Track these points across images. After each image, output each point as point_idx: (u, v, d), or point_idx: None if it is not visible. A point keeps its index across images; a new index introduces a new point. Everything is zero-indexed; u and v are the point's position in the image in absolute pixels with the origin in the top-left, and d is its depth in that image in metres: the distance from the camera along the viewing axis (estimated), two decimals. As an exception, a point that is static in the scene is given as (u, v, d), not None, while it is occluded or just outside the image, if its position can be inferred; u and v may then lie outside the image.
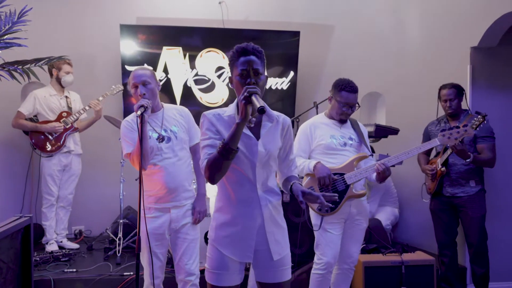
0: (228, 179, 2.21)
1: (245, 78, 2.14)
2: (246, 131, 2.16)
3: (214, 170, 2.09)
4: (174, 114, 3.15)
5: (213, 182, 2.14)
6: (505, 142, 4.63)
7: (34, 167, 5.37)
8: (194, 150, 3.26)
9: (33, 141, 4.90)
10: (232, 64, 2.21)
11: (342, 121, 3.52)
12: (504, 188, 4.68)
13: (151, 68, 3.13)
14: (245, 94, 1.99)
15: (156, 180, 3.00)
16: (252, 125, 2.20)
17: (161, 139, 3.00)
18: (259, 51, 2.20)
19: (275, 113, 2.31)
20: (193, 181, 3.32)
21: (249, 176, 2.19)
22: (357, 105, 3.48)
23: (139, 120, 2.72)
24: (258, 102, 1.97)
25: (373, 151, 5.27)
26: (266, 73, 2.23)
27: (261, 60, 2.19)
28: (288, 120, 2.36)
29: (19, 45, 3.72)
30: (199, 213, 3.19)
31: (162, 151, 3.00)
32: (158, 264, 3.06)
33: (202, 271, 3.94)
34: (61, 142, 4.92)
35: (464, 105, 4.24)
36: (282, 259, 2.27)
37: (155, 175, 3.01)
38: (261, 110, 1.94)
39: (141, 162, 2.67)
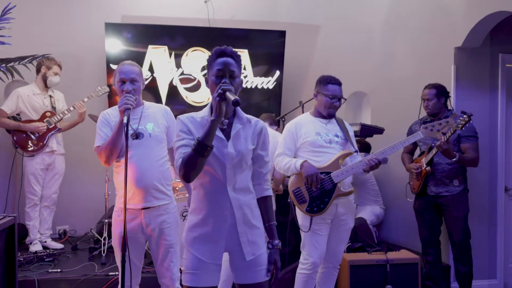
0: (200, 180, 2.22)
1: (220, 78, 2.17)
2: (217, 132, 2.17)
3: (190, 167, 2.08)
4: (155, 112, 3.09)
5: (188, 180, 2.13)
6: (487, 142, 4.70)
7: (17, 166, 5.31)
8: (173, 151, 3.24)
9: (15, 140, 4.84)
10: (209, 65, 2.25)
11: (330, 116, 3.51)
12: (486, 187, 4.74)
13: (138, 65, 3.08)
14: (219, 91, 2.03)
15: (123, 178, 2.84)
16: (225, 127, 2.22)
17: (135, 136, 2.92)
18: (237, 55, 2.24)
19: (248, 116, 2.32)
20: (169, 182, 3.13)
21: (220, 177, 2.20)
22: (343, 99, 3.51)
23: (125, 120, 2.67)
24: (232, 96, 2.01)
25: (369, 147, 5.32)
26: (241, 77, 2.27)
27: (238, 63, 2.23)
28: (261, 123, 2.35)
29: (3, 43, 3.68)
30: None
31: (132, 147, 2.88)
32: (131, 267, 2.87)
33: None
34: (44, 142, 4.86)
35: (449, 105, 4.28)
36: (258, 259, 2.26)
37: (123, 173, 2.83)
38: (236, 103, 1.98)
39: (126, 167, 2.57)
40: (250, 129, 2.30)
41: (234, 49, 2.25)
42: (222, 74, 2.17)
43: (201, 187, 2.22)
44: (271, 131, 4.10)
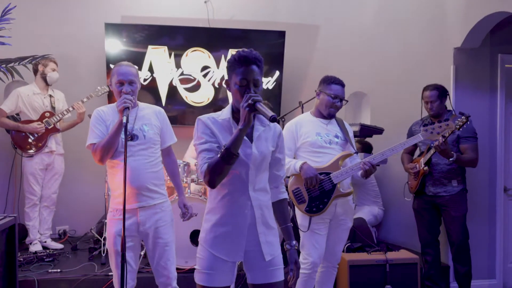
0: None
1: (244, 87, 2.15)
2: None
3: (215, 174, 2.11)
4: (149, 113, 3.10)
5: (213, 186, 2.16)
6: (487, 142, 4.71)
7: (17, 166, 5.31)
8: (167, 152, 3.24)
9: (14, 140, 4.85)
10: (232, 70, 2.20)
11: (330, 116, 3.53)
12: (485, 187, 4.75)
13: (134, 66, 3.09)
14: (250, 102, 2.02)
15: (119, 179, 2.90)
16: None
17: (129, 137, 2.92)
18: (260, 60, 2.19)
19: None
20: (163, 182, 3.15)
21: (242, 177, 2.22)
22: (344, 101, 3.51)
23: (125, 119, 2.67)
24: (267, 111, 2.00)
25: (371, 148, 5.33)
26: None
27: (261, 69, 2.20)
28: (279, 127, 2.39)
29: (3, 43, 3.68)
30: (190, 207, 3.27)
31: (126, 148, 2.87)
32: (127, 269, 2.81)
33: (186, 271, 3.96)
34: (43, 143, 4.86)
35: (449, 105, 4.29)
36: (274, 259, 2.28)
37: (118, 174, 2.94)
38: (274, 119, 1.97)
39: (125, 166, 2.56)
40: (270, 132, 2.33)
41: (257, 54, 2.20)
42: (246, 83, 2.15)
43: (222, 187, 2.22)
44: None
